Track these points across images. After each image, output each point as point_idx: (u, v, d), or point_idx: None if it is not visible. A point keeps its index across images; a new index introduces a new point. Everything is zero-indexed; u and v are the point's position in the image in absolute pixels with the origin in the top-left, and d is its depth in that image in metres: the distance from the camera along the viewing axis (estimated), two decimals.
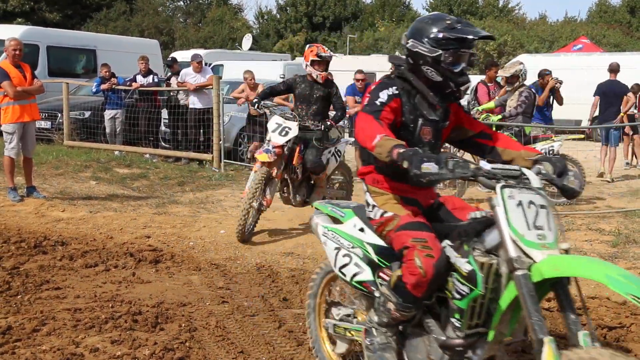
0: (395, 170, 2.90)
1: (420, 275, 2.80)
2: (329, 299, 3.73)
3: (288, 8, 44.03)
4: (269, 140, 6.79)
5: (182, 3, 48.58)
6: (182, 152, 11.91)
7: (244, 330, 4.43)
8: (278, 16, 45.15)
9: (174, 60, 13.26)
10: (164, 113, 12.64)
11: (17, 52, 8.04)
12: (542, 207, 2.68)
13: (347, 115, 10.49)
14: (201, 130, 11.73)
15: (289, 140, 6.70)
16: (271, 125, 6.87)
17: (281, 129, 6.75)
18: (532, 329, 2.51)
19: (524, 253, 2.59)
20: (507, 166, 2.84)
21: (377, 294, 3.13)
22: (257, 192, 6.62)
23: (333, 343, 3.69)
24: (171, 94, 12.17)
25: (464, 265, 2.77)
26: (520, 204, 2.65)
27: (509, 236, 2.62)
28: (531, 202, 2.66)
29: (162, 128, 12.80)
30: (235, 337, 4.29)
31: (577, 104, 16.13)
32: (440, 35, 2.98)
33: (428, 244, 2.84)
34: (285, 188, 7.07)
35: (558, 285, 2.62)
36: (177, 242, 6.74)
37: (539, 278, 2.54)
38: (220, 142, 11.09)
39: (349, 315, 3.55)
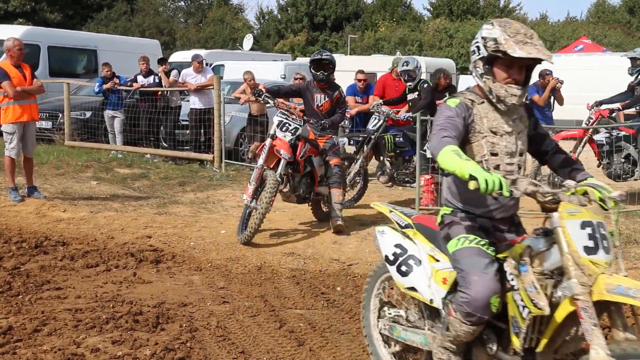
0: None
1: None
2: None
3: (289, 8, 44.04)
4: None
5: (183, 3, 48.66)
6: (183, 153, 11.93)
7: (244, 330, 4.43)
8: (279, 16, 45.16)
9: (164, 59, 13.15)
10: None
11: (21, 51, 8.06)
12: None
13: (348, 116, 10.48)
14: (202, 131, 11.74)
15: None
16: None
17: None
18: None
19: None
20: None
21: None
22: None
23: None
24: (167, 94, 12.16)
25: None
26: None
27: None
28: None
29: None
30: (236, 338, 4.29)
31: (578, 104, 16.09)
32: None
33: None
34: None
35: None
36: (178, 242, 6.75)
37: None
38: (221, 142, 11.09)
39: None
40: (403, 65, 8.43)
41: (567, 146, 9.28)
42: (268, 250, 6.51)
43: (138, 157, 12.01)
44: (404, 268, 3.29)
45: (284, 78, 17.77)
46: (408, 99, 8.63)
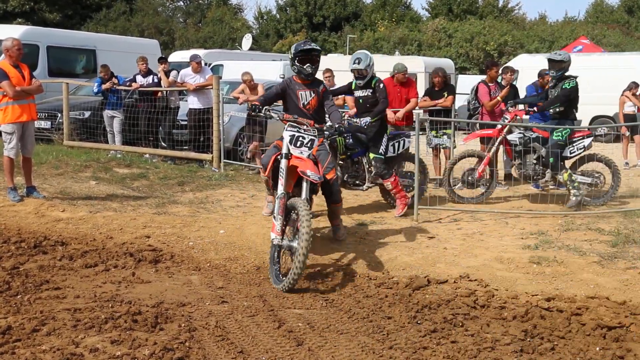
0: None
1: None
2: None
3: (288, 8, 44.05)
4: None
5: (181, 3, 48.63)
6: (182, 152, 11.93)
7: (243, 330, 4.43)
8: (278, 16, 45.18)
9: (164, 59, 13.11)
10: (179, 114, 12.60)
11: (20, 51, 8.06)
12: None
13: (347, 116, 10.49)
14: (200, 130, 11.74)
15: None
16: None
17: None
18: None
19: None
20: None
21: None
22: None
23: None
24: (166, 94, 12.17)
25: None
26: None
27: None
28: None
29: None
30: (235, 337, 4.29)
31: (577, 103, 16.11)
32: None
33: None
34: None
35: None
36: (177, 242, 6.75)
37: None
38: (220, 142, 11.09)
39: None
40: (354, 63, 7.69)
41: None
42: (267, 250, 6.49)
43: (137, 157, 12.00)
44: None
45: (283, 77, 17.77)
46: (357, 95, 7.91)
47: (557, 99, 8.37)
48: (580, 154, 8.39)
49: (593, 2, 45.58)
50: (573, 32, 35.56)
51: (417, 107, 9.14)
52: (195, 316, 4.64)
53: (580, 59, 19.98)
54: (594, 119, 18.75)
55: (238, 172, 10.91)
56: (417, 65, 20.25)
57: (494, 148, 8.61)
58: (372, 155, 7.70)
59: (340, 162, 7.63)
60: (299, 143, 5.73)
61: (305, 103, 6.22)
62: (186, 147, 12.25)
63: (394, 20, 41.64)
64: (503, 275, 5.74)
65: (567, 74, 8.56)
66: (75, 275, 5.56)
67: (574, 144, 8.34)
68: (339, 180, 7.38)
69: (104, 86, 12.24)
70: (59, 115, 13.38)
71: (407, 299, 5.21)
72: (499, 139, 8.61)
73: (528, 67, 17.77)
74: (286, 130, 5.80)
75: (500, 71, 10.45)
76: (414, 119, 7.88)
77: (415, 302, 5.13)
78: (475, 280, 5.63)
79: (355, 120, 7.75)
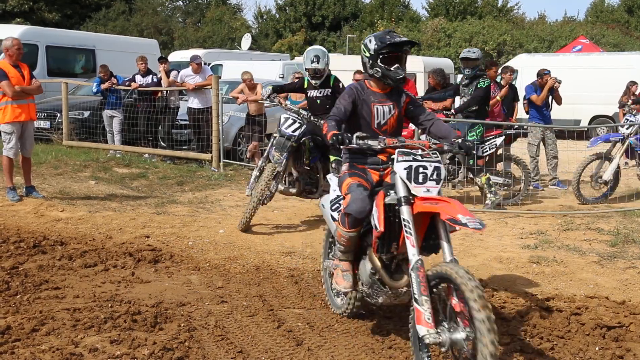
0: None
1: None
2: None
3: (287, 8, 44.05)
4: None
5: (181, 3, 48.61)
6: (182, 152, 11.93)
7: (243, 330, 4.43)
8: (277, 16, 45.18)
9: (165, 59, 13.06)
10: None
11: (20, 51, 8.05)
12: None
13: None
14: (199, 130, 11.74)
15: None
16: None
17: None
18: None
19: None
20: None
21: None
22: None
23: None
24: (166, 94, 12.16)
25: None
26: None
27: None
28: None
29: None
30: (234, 337, 4.29)
31: (576, 103, 16.17)
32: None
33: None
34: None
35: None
36: (176, 241, 6.74)
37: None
38: (220, 141, 11.09)
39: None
40: (313, 62, 7.20)
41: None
42: (266, 249, 6.51)
43: (136, 156, 12.01)
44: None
45: (282, 77, 17.78)
46: (314, 95, 7.41)
47: (474, 99, 8.44)
48: (491, 152, 8.50)
49: (593, 1, 45.58)
50: (572, 32, 35.55)
51: None
52: (194, 316, 4.63)
53: (579, 59, 20.04)
54: (593, 119, 18.76)
55: (237, 171, 10.91)
56: (417, 65, 20.24)
57: None
58: (332, 158, 7.00)
59: (306, 167, 7.20)
60: (420, 177, 3.82)
61: (382, 122, 4.31)
62: (185, 147, 12.26)
63: (393, 20, 41.63)
64: (502, 274, 5.74)
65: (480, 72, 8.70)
66: (74, 275, 5.56)
67: (486, 143, 8.41)
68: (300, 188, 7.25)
69: (103, 86, 12.24)
70: (58, 115, 13.39)
71: None
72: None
73: (527, 67, 17.79)
74: (398, 162, 3.84)
75: (499, 71, 10.47)
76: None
77: None
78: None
79: (322, 122, 6.86)
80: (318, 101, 7.41)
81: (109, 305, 4.73)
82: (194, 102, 11.63)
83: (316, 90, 7.39)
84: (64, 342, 4.01)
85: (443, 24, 38.16)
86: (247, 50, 26.61)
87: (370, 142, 3.96)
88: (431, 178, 3.83)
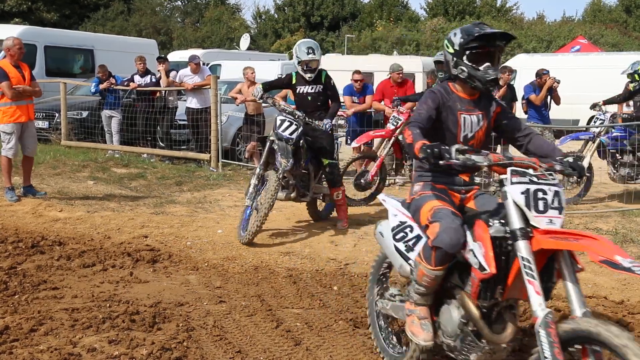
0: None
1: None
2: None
3: (286, 8, 44.06)
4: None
5: (179, 3, 48.61)
6: (180, 152, 11.92)
7: (241, 330, 4.43)
8: (276, 16, 45.19)
9: (164, 59, 13.02)
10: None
11: (21, 50, 8.05)
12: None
13: (344, 115, 10.48)
14: (198, 130, 11.74)
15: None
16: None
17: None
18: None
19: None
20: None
21: None
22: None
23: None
24: (164, 94, 12.16)
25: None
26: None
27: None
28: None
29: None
30: (232, 337, 4.29)
31: (575, 103, 16.15)
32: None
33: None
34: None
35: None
36: (175, 241, 6.74)
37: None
38: (218, 141, 11.09)
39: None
40: (309, 53, 6.90)
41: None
42: (265, 249, 6.50)
43: (135, 156, 12.00)
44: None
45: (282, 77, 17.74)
46: (305, 91, 7.07)
47: None
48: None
49: (591, 1, 45.62)
50: (571, 32, 35.56)
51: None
52: (193, 316, 4.63)
53: (578, 59, 20.04)
54: (592, 119, 18.74)
55: (236, 172, 10.91)
56: (416, 65, 20.23)
57: (385, 150, 8.50)
58: (326, 161, 7.01)
59: (303, 170, 7.03)
60: (540, 204, 3.01)
61: (470, 136, 3.59)
62: (184, 147, 12.25)
63: (392, 19, 41.65)
64: None
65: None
66: (73, 275, 5.55)
67: None
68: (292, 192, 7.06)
69: (101, 86, 12.24)
70: (57, 115, 13.38)
71: None
72: (391, 141, 8.50)
73: (526, 67, 17.78)
74: (512, 184, 3.06)
75: None
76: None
77: None
78: None
79: (316, 122, 6.85)
80: (309, 97, 7.04)
81: (108, 305, 4.73)
82: (193, 102, 11.62)
83: (308, 86, 7.02)
84: (62, 342, 4.01)
85: (442, 24, 38.18)
86: (246, 50, 26.61)
87: (474, 157, 3.11)
88: (552, 206, 3.02)
